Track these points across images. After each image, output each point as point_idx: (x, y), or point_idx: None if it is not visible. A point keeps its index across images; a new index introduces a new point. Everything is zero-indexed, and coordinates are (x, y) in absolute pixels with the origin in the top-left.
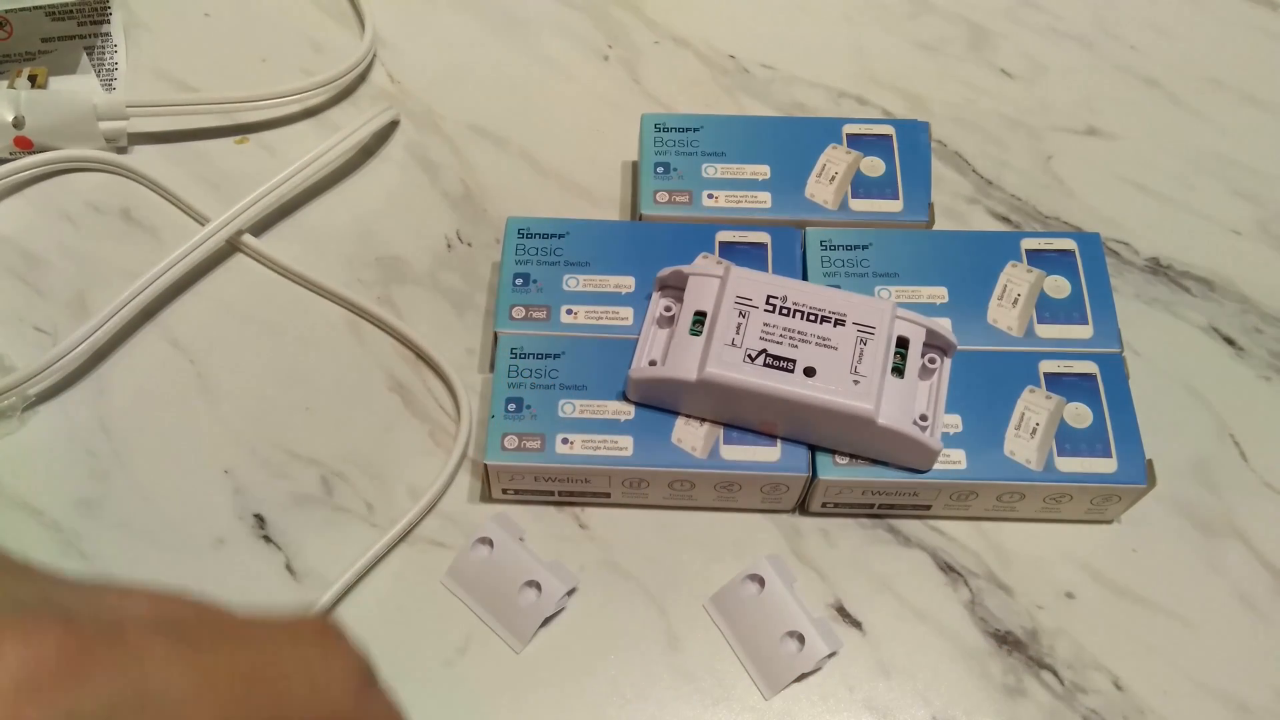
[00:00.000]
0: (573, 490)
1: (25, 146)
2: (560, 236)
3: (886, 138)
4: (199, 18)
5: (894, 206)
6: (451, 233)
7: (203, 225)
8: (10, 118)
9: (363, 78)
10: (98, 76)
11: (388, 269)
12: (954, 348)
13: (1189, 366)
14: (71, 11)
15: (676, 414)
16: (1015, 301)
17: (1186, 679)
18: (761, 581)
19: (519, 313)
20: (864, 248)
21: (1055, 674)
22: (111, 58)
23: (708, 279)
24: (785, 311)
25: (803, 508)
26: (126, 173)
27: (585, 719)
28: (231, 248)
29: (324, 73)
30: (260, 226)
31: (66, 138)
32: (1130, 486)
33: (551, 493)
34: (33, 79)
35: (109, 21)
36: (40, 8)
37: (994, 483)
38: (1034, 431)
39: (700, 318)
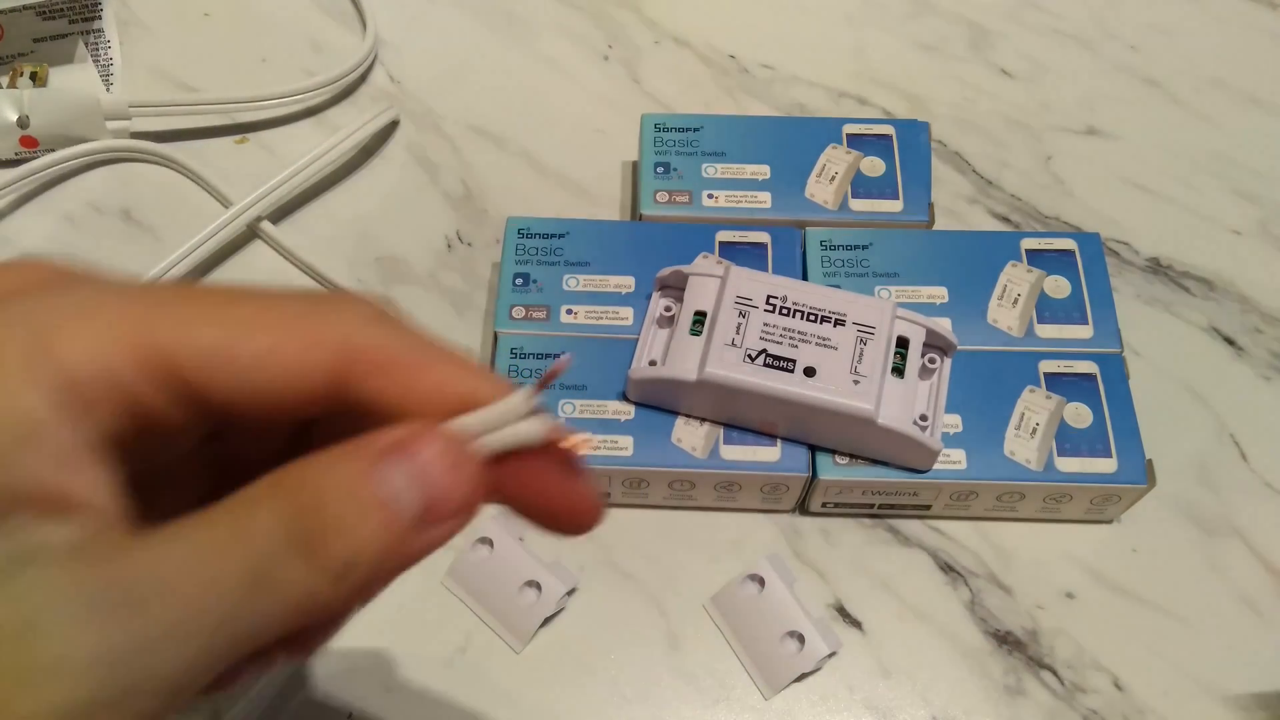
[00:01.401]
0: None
1: (31, 146)
2: (560, 236)
3: (886, 138)
4: (199, 17)
5: (894, 206)
6: (451, 233)
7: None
8: (15, 117)
9: (363, 78)
10: (94, 74)
11: (388, 269)
12: (954, 348)
13: (1189, 366)
14: (62, 10)
15: (676, 414)
16: (1015, 301)
17: (1186, 679)
18: (761, 581)
19: (519, 313)
20: (864, 248)
21: (1055, 674)
22: (106, 54)
23: (708, 279)
24: (785, 311)
25: (803, 508)
26: (169, 163)
27: (585, 719)
28: (232, 249)
29: (324, 73)
30: None
31: (73, 137)
32: (1130, 486)
33: None
34: (33, 76)
35: (100, 18)
36: (30, 7)
37: (994, 483)
38: (1034, 431)
39: (700, 318)
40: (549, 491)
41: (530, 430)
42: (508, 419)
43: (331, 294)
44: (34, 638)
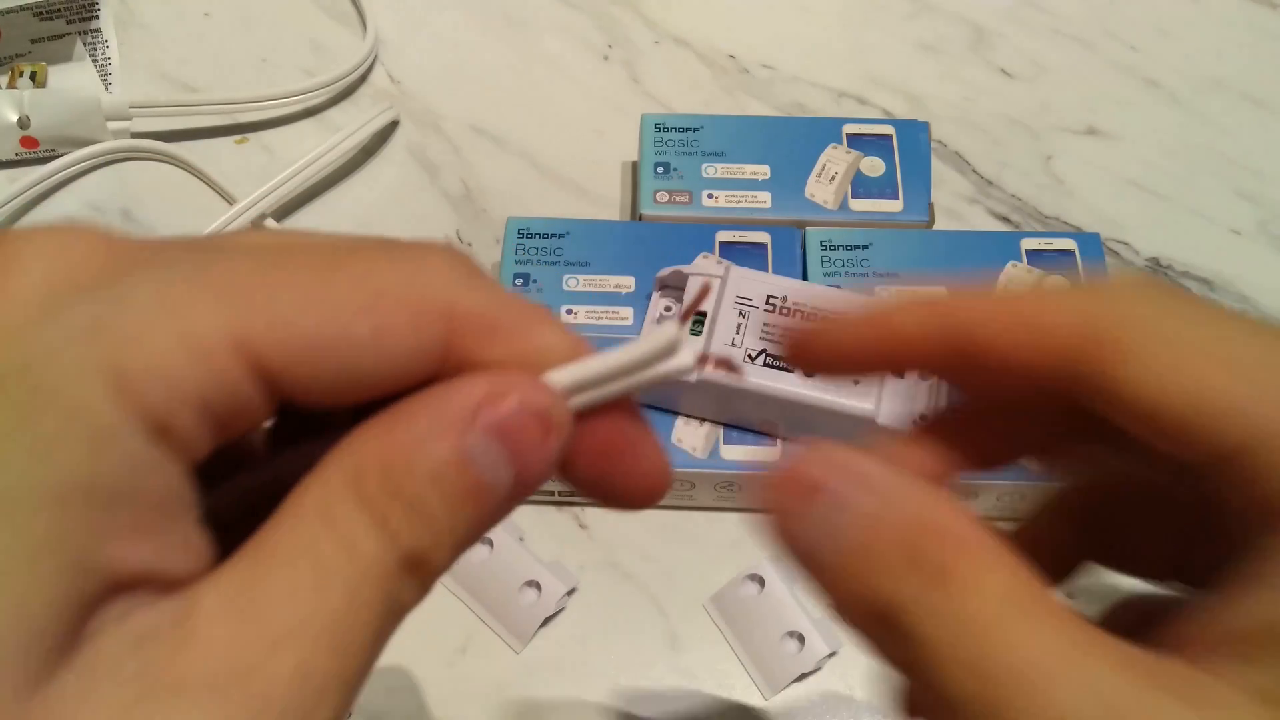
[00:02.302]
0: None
1: (31, 147)
2: (560, 236)
3: (886, 138)
4: (199, 17)
5: (894, 206)
6: (451, 233)
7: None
8: (15, 118)
9: (363, 78)
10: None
11: None
12: None
13: None
14: (59, 10)
15: (676, 414)
16: None
17: None
18: (761, 581)
19: None
20: (864, 248)
21: None
22: (104, 54)
23: (707, 279)
24: (785, 311)
25: None
26: (179, 163)
27: (585, 719)
28: None
29: (324, 73)
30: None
31: (73, 138)
32: None
33: (551, 492)
34: (33, 76)
35: (98, 18)
36: (27, 8)
37: (997, 483)
38: None
39: (700, 318)
40: (623, 455)
41: (682, 361)
42: (613, 372)
43: (416, 246)
44: None
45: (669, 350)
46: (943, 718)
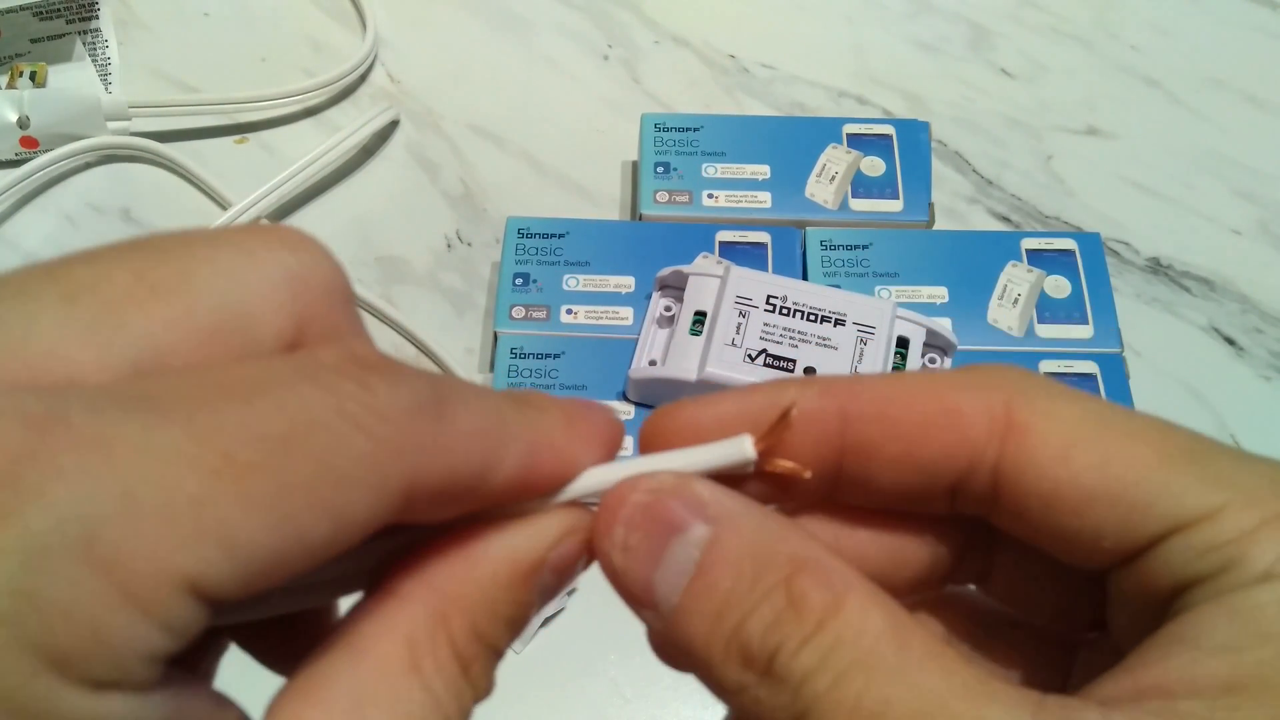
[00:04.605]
0: None
1: (31, 147)
2: (560, 236)
3: (886, 137)
4: (198, 17)
5: (894, 206)
6: (451, 232)
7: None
8: (15, 118)
9: (363, 78)
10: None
11: (388, 269)
12: (954, 348)
13: (1189, 366)
14: (59, 10)
15: None
16: (1015, 301)
17: None
18: None
19: (519, 312)
20: (864, 248)
21: None
22: (104, 54)
23: (708, 279)
24: (785, 311)
25: None
26: (165, 161)
27: (585, 719)
28: None
29: (324, 73)
30: None
31: (73, 138)
32: None
33: None
34: (33, 76)
35: (98, 18)
36: (27, 7)
37: None
38: None
39: (700, 318)
40: None
41: (745, 454)
42: (678, 472)
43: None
44: None
45: (743, 467)
46: None
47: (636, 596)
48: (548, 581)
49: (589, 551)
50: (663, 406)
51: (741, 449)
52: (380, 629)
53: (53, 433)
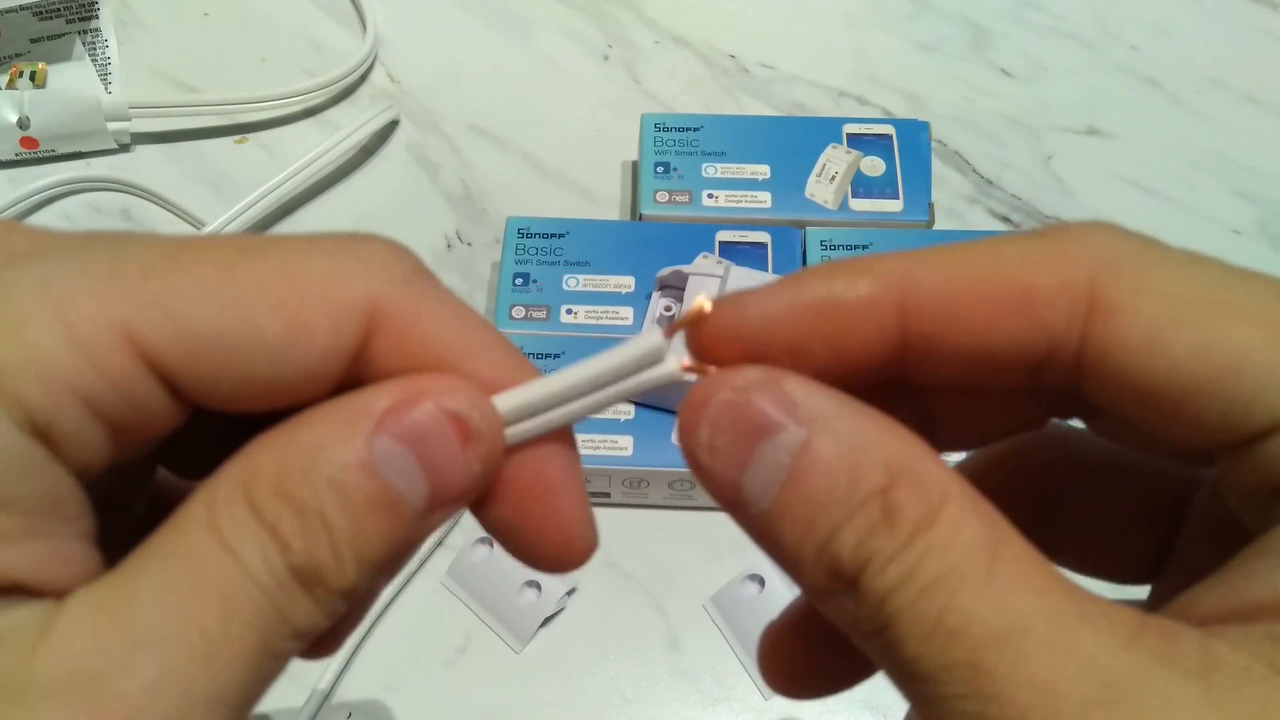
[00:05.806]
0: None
1: (31, 147)
2: (560, 236)
3: (886, 137)
4: (198, 17)
5: (894, 206)
6: (451, 233)
7: (200, 229)
8: (15, 118)
9: (363, 78)
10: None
11: None
12: None
13: None
14: (59, 9)
15: (676, 414)
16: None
17: None
18: (762, 581)
19: (519, 312)
20: (864, 248)
21: None
22: (104, 54)
23: (708, 279)
24: None
25: None
26: (131, 189)
27: (585, 719)
28: None
29: (324, 73)
30: (260, 227)
31: (73, 138)
32: None
33: None
34: (32, 76)
35: (98, 18)
36: (27, 7)
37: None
38: None
39: None
40: (542, 501)
41: (668, 369)
42: (555, 399)
43: (352, 240)
44: None
45: (653, 357)
46: (911, 690)
47: (724, 497)
48: (385, 449)
49: (461, 428)
50: (715, 302)
51: (651, 342)
52: (193, 498)
53: (37, 238)
